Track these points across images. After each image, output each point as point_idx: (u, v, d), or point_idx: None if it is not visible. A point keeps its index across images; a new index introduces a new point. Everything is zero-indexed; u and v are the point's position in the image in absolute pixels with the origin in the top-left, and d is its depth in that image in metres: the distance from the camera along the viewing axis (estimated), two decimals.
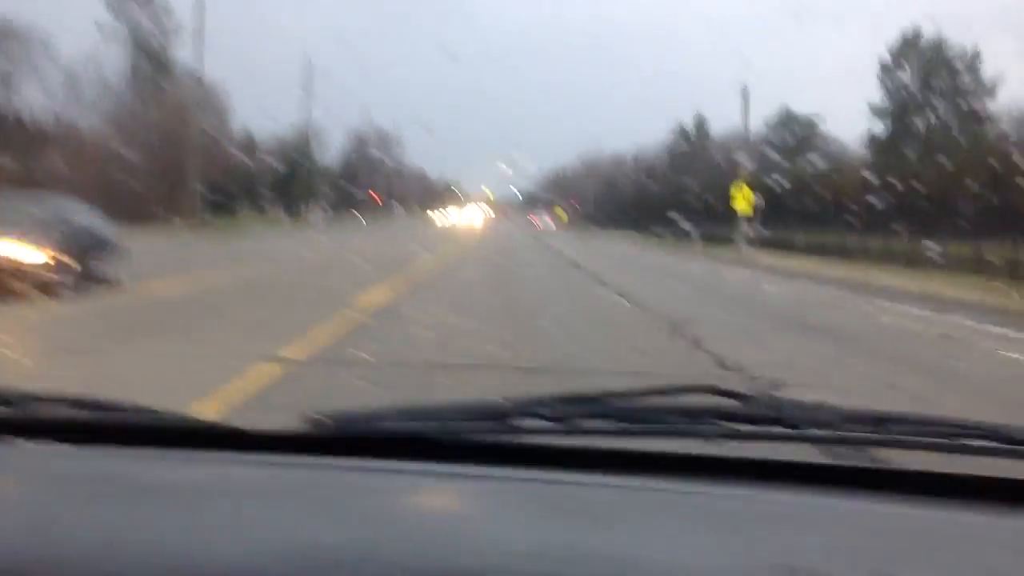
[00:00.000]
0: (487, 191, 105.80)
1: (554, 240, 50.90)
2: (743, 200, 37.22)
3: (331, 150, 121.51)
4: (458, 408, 1.86)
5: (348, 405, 1.88)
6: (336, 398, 6.62)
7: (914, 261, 28.50)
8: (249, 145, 75.60)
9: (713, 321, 13.04)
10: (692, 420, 1.76)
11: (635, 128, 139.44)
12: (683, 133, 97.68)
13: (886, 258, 33.39)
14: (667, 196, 69.11)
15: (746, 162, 42.33)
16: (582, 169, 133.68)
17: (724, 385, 1.88)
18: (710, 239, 50.09)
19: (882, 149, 54.74)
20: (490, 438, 1.74)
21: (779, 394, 2.40)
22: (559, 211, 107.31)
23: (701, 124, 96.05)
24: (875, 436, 1.76)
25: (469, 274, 22.40)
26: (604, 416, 1.78)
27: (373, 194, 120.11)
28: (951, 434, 1.74)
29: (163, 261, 21.11)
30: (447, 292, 16.83)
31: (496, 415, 1.79)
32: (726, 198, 44.83)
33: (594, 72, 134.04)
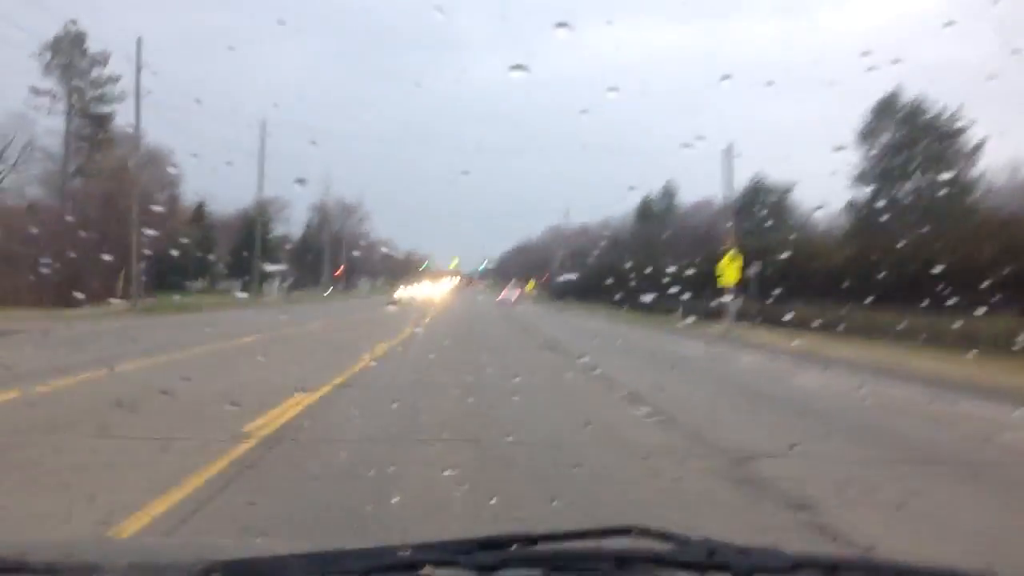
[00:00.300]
0: (454, 264, 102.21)
1: (521, 315, 48.54)
2: (732, 270, 33.55)
3: (294, 224, 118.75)
4: (366, 555, 1.71)
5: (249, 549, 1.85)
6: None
7: (931, 337, 25.02)
8: (201, 217, 71.62)
9: (795, 454, 8.65)
10: (621, 567, 1.65)
11: (605, 201, 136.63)
12: (650, 202, 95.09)
13: (886, 333, 30.10)
14: (638, 266, 65.88)
15: (727, 230, 38.78)
16: (550, 241, 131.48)
17: (656, 527, 1.78)
18: (690, 312, 46.53)
19: (862, 216, 51.72)
20: None
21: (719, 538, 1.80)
22: (530, 284, 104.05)
23: (670, 191, 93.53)
24: None
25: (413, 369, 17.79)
26: (527, 564, 1.66)
27: (338, 269, 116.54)
28: None
29: (40, 357, 17.27)
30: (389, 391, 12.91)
31: (409, 565, 1.64)
32: (704, 267, 41.48)
33: (565, 144, 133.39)
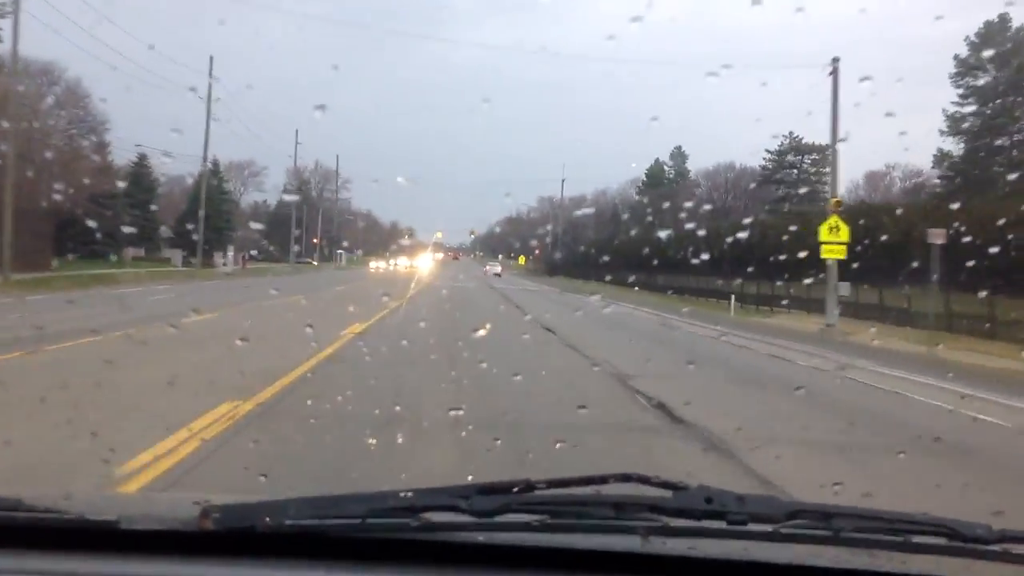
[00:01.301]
0: (439, 236, 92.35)
1: (509, 290, 42.72)
2: (834, 244, 23.60)
3: (271, 191, 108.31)
4: (366, 500, 1.69)
5: (250, 493, 1.76)
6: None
7: None
8: (145, 175, 60.80)
9: None
10: (619, 513, 1.66)
11: (599, 174, 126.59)
12: (660, 167, 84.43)
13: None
14: (647, 239, 56.00)
15: (838, 186, 28.63)
16: (543, 213, 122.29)
17: (653, 475, 1.76)
18: (741, 298, 36.76)
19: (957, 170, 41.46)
20: (402, 535, 1.61)
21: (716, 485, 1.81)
22: (521, 258, 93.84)
23: (681, 154, 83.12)
24: (820, 533, 1.65)
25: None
26: (525, 510, 1.66)
27: (315, 239, 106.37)
28: (901, 531, 1.67)
29: None
30: None
31: (408, 509, 1.64)
32: (755, 239, 31.70)
33: (557, 114, 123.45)
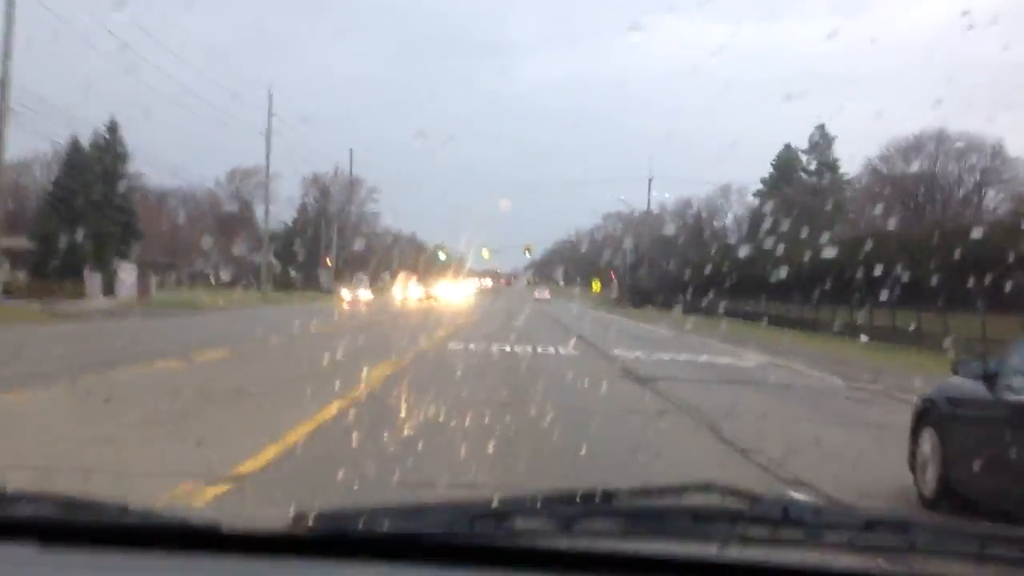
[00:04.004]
0: (486, 255, 68.82)
1: (629, 359, 20.54)
2: None
3: (284, 202, 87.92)
4: (454, 508, 1.78)
5: (340, 501, 1.86)
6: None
7: None
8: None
9: None
10: (697, 522, 1.68)
11: (675, 186, 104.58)
12: (793, 156, 58.49)
13: None
14: (766, 255, 37.71)
15: None
16: (609, 231, 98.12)
17: (732, 484, 1.79)
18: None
19: None
20: (487, 541, 1.65)
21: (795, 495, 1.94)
22: (595, 283, 69.34)
23: (823, 139, 57.08)
24: (897, 544, 1.66)
25: None
26: (606, 516, 1.71)
27: (328, 259, 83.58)
28: (977, 541, 1.67)
29: None
30: None
31: (494, 515, 1.70)
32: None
33: (611, 133, 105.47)
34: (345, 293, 52.81)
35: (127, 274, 41.13)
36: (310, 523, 1.64)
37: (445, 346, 21.38)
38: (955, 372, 7.26)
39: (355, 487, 6.17)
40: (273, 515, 1.71)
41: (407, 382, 12.79)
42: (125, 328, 24.98)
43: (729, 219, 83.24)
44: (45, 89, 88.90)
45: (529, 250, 69.91)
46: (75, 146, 40.19)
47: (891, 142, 48.38)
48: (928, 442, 7.20)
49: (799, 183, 56.14)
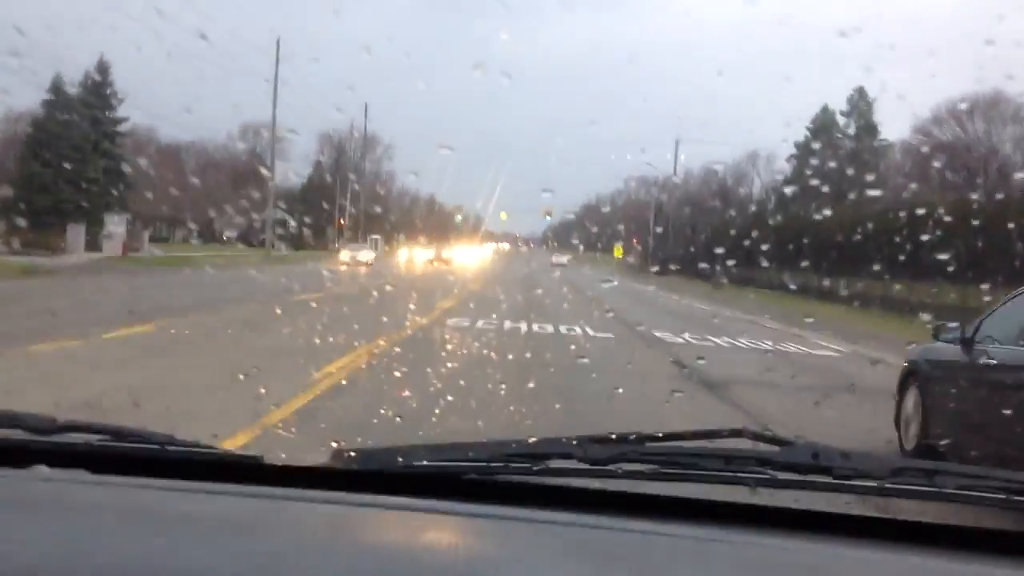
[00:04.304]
0: (504, 218, 65.31)
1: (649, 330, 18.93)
2: None
3: (299, 160, 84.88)
4: (489, 447, 1.82)
5: (377, 441, 1.94)
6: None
7: None
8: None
9: None
10: (728, 465, 1.72)
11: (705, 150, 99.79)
12: (831, 116, 54.38)
13: None
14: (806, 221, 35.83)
15: None
16: (632, 196, 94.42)
17: (765, 431, 1.86)
18: None
19: None
20: (522, 479, 1.70)
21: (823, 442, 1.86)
22: (617, 249, 66.21)
23: (862, 102, 52.95)
24: (924, 489, 1.68)
25: None
26: (638, 459, 1.74)
27: (341, 220, 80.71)
28: (1003, 489, 1.69)
29: None
30: None
31: (529, 455, 1.74)
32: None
33: (636, 98, 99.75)
34: (344, 254, 48.44)
35: (116, 227, 38.15)
36: (350, 457, 1.70)
37: (443, 324, 16.95)
38: (936, 337, 7.90)
39: None
40: (314, 451, 1.77)
41: (357, 405, 8.44)
42: (65, 289, 21.78)
43: (757, 186, 79.66)
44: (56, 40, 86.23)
45: (549, 213, 66.61)
46: (56, 86, 37.06)
47: (944, 102, 44.31)
48: (911, 401, 7.96)
49: (837, 145, 52.12)
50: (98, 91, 39.12)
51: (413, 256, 62.57)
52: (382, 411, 7.58)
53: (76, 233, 35.30)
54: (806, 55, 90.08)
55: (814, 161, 52.93)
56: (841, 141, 53.78)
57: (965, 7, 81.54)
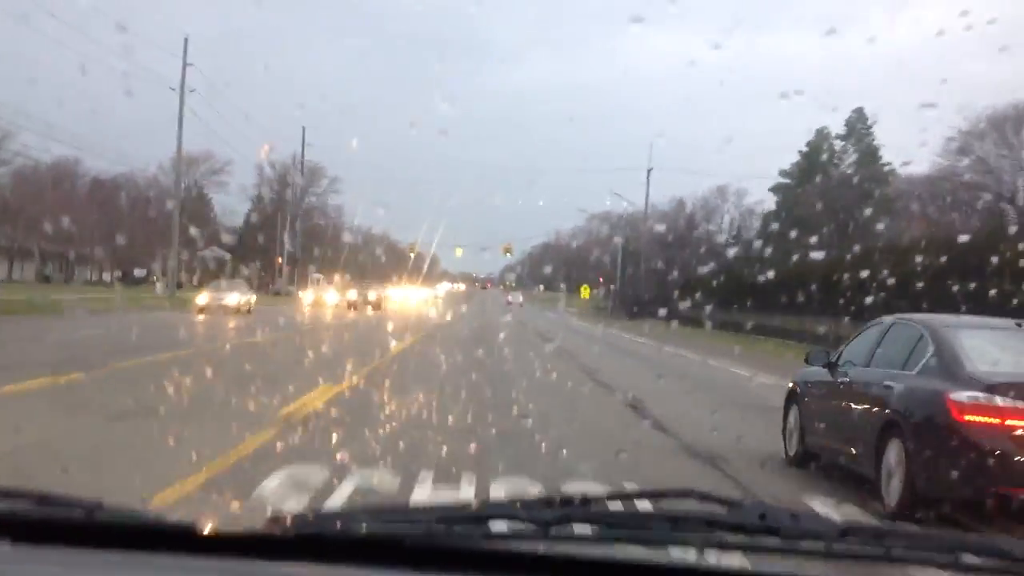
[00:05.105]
0: (458, 252, 59.12)
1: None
2: None
3: (236, 192, 78.20)
4: (432, 510, 1.80)
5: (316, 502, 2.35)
6: None
7: None
8: None
9: None
10: (676, 527, 1.68)
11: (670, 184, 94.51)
12: (820, 143, 48.16)
13: None
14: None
15: None
16: (596, 234, 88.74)
17: (710, 490, 1.80)
18: None
19: None
20: (466, 543, 1.63)
21: (772, 501, 2.15)
22: (583, 289, 60.04)
23: (859, 121, 46.60)
24: (873, 551, 1.67)
25: None
26: (585, 520, 1.68)
27: (278, 258, 73.95)
28: (951, 549, 1.69)
29: None
30: None
31: (473, 518, 1.70)
32: None
33: (599, 135, 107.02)
34: (202, 297, 38.10)
35: None
36: (287, 523, 1.64)
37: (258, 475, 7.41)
38: (807, 362, 9.76)
39: None
40: (250, 515, 1.78)
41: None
42: None
43: (725, 221, 78.78)
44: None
45: (509, 250, 59.99)
46: None
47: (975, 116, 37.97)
48: (792, 414, 9.81)
49: (834, 173, 45.82)
50: None
51: (320, 298, 51.03)
52: None
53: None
54: (772, 93, 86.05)
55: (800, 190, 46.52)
56: (837, 168, 47.70)
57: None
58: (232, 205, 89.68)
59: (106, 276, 75.23)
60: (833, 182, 45.04)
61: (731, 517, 1.67)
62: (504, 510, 1.69)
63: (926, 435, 7.18)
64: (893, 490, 7.22)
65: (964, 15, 11.77)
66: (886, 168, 46.97)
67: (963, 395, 6.95)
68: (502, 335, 29.94)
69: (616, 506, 1.76)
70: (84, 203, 62.68)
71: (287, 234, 68.93)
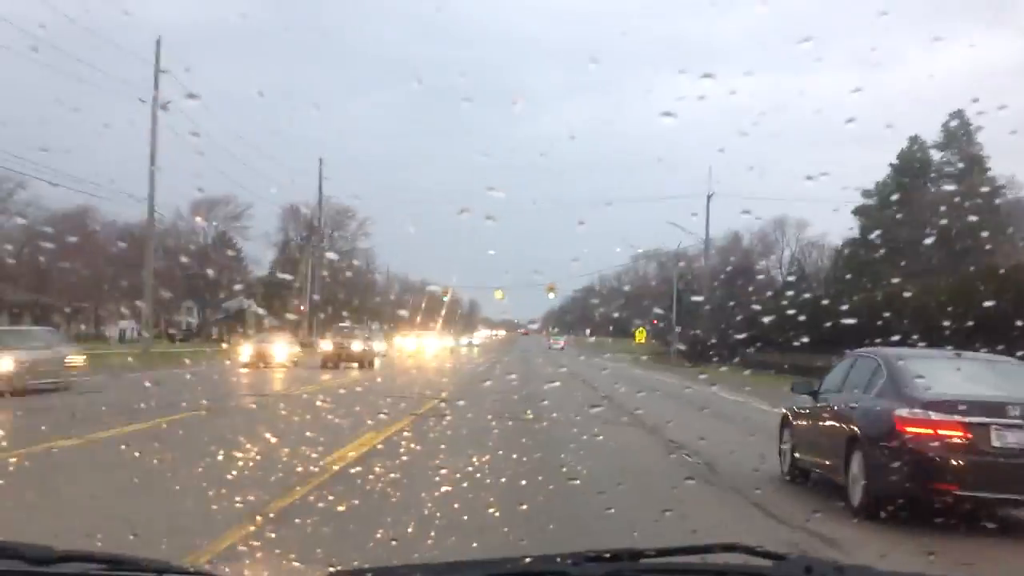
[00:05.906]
0: (499, 295, 52.59)
1: None
2: None
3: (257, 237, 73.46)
4: (484, 565, 1.79)
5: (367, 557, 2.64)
6: None
7: None
8: None
9: None
10: None
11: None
12: (914, 153, 40.82)
13: None
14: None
15: None
16: (636, 273, 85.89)
17: (758, 546, 1.79)
18: None
19: None
20: None
21: (817, 554, 2.42)
22: (638, 333, 53.28)
23: (962, 128, 39.41)
24: None
25: None
26: (634, 574, 1.69)
27: (301, 306, 68.64)
28: None
29: None
30: None
31: (524, 574, 1.71)
32: None
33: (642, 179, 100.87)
34: (246, 349, 33.05)
35: None
36: None
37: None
38: (792, 391, 11.74)
39: None
40: (309, 570, 1.80)
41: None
42: None
43: (785, 256, 75.71)
44: None
45: (552, 290, 53.45)
46: None
47: None
48: (785, 438, 11.75)
49: (930, 189, 38.55)
50: None
51: (262, 354, 35.26)
52: None
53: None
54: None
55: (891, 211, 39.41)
56: (937, 180, 40.50)
57: None
58: (256, 254, 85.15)
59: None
60: (934, 196, 38.08)
61: (776, 570, 1.67)
62: (555, 566, 1.67)
63: (879, 446, 9.02)
64: (856, 493, 9.11)
65: None
66: (997, 183, 39.65)
67: (905, 411, 8.78)
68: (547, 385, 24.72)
69: (663, 561, 1.72)
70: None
71: (308, 281, 63.19)
